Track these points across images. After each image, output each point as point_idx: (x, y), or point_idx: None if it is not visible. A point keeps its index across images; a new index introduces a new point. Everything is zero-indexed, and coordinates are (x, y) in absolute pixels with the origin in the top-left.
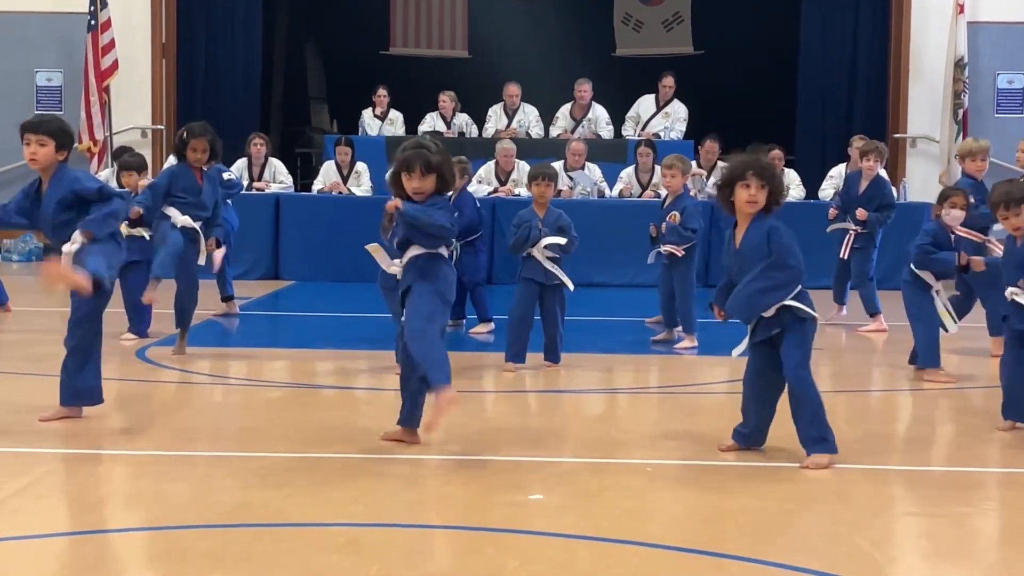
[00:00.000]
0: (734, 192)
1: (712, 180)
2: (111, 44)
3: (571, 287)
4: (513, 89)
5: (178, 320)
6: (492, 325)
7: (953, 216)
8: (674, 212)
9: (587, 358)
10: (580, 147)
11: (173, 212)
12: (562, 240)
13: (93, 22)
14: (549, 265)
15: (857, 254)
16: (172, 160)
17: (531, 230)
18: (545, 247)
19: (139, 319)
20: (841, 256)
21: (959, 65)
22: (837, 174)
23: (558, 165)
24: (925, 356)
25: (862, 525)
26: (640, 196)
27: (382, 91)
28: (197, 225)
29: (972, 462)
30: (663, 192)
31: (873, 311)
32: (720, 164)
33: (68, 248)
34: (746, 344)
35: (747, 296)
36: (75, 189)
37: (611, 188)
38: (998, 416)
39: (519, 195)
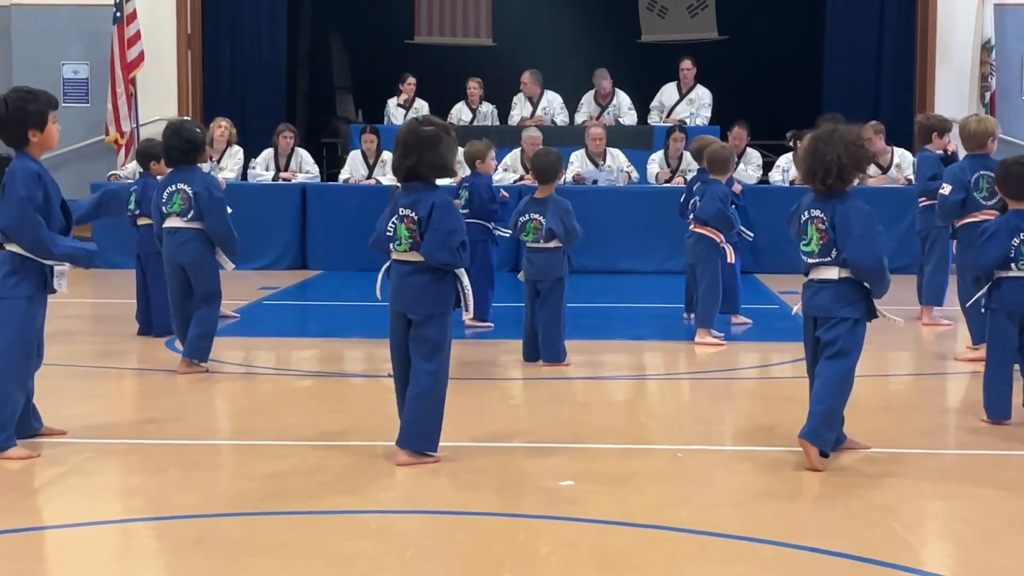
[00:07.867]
0: None
1: (742, 166)
2: (137, 36)
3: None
4: (526, 77)
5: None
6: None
7: None
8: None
9: (615, 344)
10: (599, 132)
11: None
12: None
13: (119, 14)
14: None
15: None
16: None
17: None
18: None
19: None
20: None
21: (986, 48)
22: None
23: (580, 153)
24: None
25: (895, 509)
26: (669, 181)
27: (411, 79)
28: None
29: (1005, 445)
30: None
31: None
32: (749, 150)
33: None
34: None
35: None
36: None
37: (639, 172)
38: None
39: None
